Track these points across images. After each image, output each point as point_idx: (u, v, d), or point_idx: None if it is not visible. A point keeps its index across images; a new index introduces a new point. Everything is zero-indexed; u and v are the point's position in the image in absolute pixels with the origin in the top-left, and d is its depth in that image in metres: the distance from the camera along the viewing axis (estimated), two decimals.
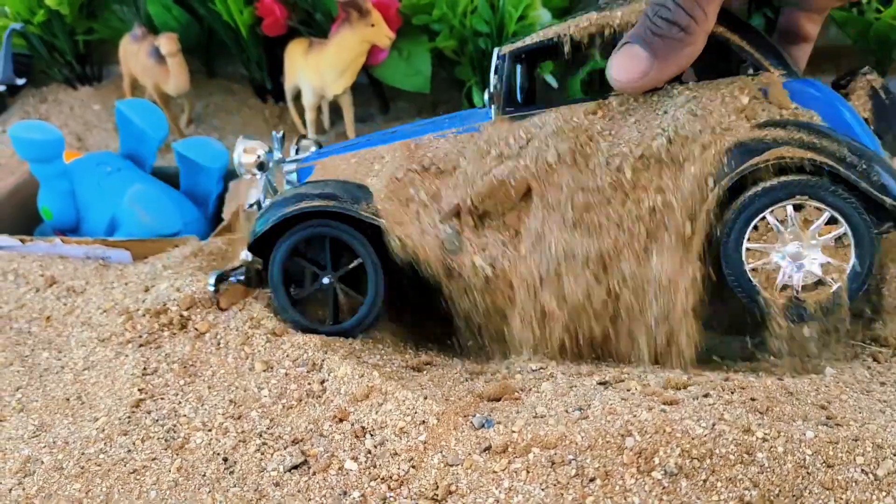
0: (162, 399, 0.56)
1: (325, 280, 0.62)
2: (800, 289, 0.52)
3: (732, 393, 0.47)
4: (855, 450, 0.42)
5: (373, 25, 0.87)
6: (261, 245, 0.63)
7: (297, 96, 0.98)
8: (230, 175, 0.91)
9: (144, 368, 0.60)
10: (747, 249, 0.52)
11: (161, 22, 1.04)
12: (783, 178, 0.50)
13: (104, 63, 1.19)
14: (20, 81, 1.09)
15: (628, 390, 0.49)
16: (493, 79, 0.59)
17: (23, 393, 0.61)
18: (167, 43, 0.95)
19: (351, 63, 0.90)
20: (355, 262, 0.61)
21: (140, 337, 0.63)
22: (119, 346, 0.63)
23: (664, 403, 0.46)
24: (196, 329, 0.63)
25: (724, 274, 0.52)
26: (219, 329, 0.62)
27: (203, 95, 1.11)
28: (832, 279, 0.51)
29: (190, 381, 0.58)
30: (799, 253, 0.51)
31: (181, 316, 0.64)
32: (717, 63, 0.55)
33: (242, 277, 0.65)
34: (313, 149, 0.69)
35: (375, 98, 1.05)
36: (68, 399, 0.59)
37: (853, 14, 0.81)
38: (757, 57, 0.53)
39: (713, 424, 0.43)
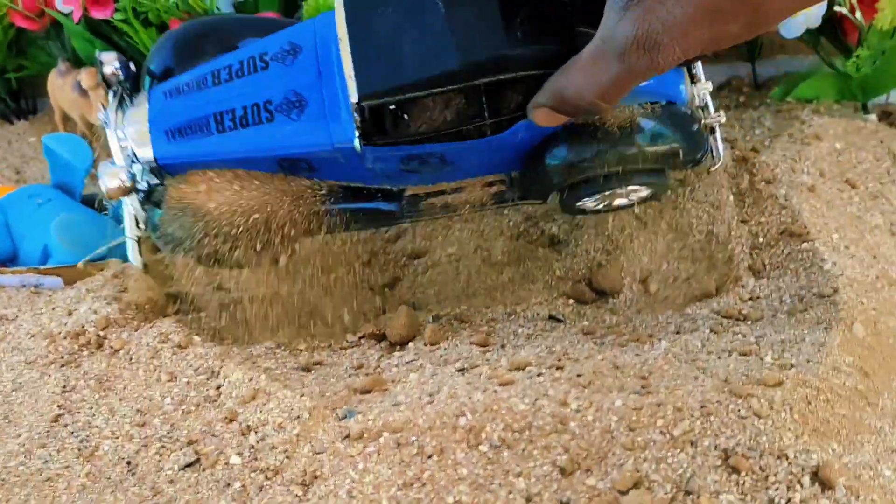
0: (78, 413, 0.63)
1: None
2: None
3: (562, 370, 0.54)
4: (656, 414, 0.49)
5: None
6: None
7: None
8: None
9: (64, 386, 0.66)
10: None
11: (86, 55, 1.09)
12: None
13: (38, 96, 1.25)
14: None
15: (479, 375, 0.56)
16: None
17: None
18: (87, 78, 1.01)
19: None
20: None
21: (62, 358, 0.69)
22: (44, 367, 0.69)
23: (499, 384, 0.52)
24: (111, 347, 0.69)
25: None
26: (131, 345, 0.68)
27: None
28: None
29: (104, 395, 0.64)
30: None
31: (98, 336, 0.70)
32: None
33: None
34: (116, 64, 0.64)
35: None
36: None
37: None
38: None
39: (535, 400, 0.50)
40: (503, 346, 0.63)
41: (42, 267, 0.88)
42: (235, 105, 0.60)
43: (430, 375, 0.58)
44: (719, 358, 0.57)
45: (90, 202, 0.98)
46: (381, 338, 0.69)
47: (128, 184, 0.61)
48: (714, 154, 0.59)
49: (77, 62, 1.10)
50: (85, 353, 0.70)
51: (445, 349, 0.63)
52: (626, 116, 0.55)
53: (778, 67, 1.02)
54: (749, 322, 0.63)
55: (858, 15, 0.83)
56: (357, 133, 0.56)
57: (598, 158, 0.56)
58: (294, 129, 0.59)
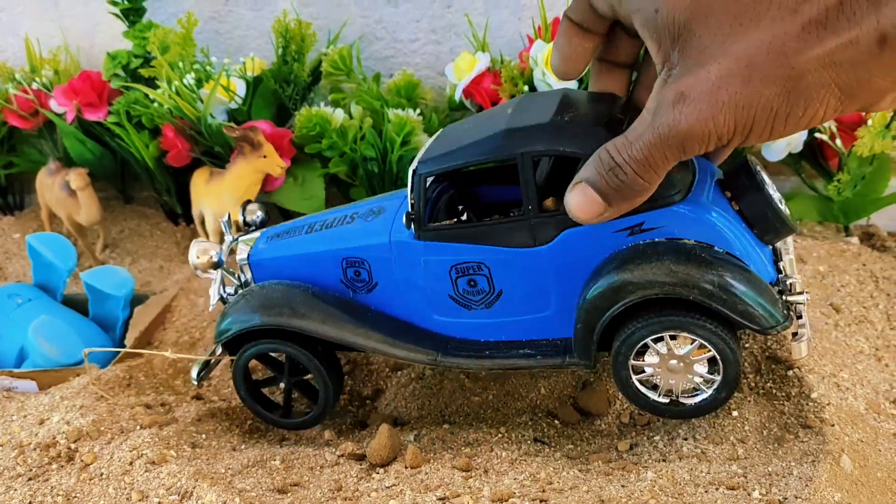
0: None
1: (282, 384, 0.72)
2: (679, 394, 0.60)
3: (547, 503, 0.52)
4: None
5: (265, 157, 0.94)
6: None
7: (202, 220, 1.04)
8: (136, 301, 0.96)
9: (30, 502, 0.63)
10: (633, 366, 0.59)
11: (76, 154, 1.10)
12: (659, 317, 0.57)
13: (25, 192, 1.25)
14: None
15: None
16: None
17: None
18: (76, 178, 1.01)
19: (247, 190, 0.97)
20: (308, 376, 0.71)
21: (30, 471, 0.67)
22: (10, 479, 0.66)
23: None
24: (82, 461, 0.66)
25: (615, 384, 0.61)
26: (103, 461, 0.66)
27: (118, 220, 1.17)
28: (705, 387, 0.59)
29: None
30: (677, 367, 0.59)
31: (69, 448, 0.68)
32: None
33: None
34: (259, 213, 0.77)
35: (281, 217, 1.11)
36: None
37: None
38: None
39: None
40: (486, 472, 0.62)
41: (16, 370, 0.86)
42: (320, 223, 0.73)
43: (417, 491, 0.56)
44: (706, 492, 0.56)
45: (71, 303, 0.98)
46: (360, 457, 0.67)
47: (214, 259, 0.72)
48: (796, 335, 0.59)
49: (67, 162, 1.11)
50: (54, 466, 0.67)
51: (426, 473, 0.61)
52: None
53: None
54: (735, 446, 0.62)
55: (839, 142, 0.85)
56: (411, 218, 0.62)
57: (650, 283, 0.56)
58: (363, 227, 0.68)
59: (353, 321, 0.67)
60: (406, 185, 0.63)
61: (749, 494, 0.54)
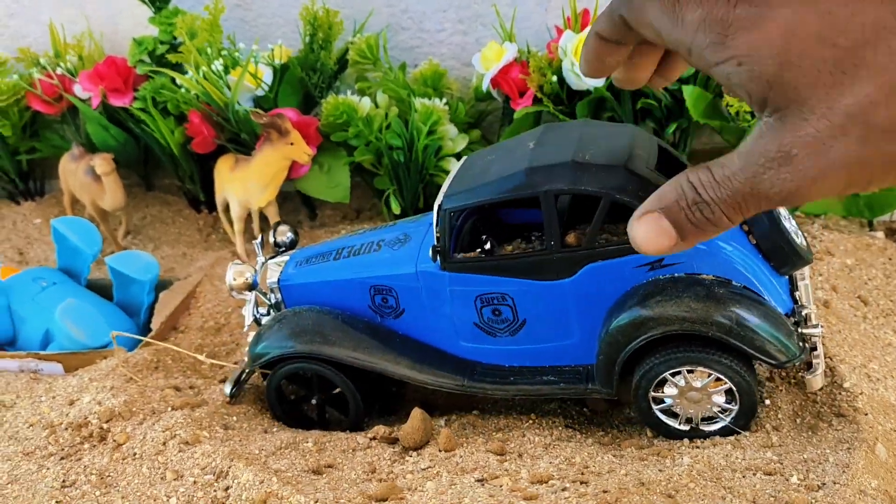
0: None
1: (313, 401, 0.73)
2: (699, 421, 0.62)
3: (587, 485, 0.52)
4: None
5: (292, 144, 0.94)
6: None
7: (226, 208, 1.04)
8: (161, 286, 0.96)
9: (63, 481, 0.63)
10: (653, 398, 0.62)
11: (99, 140, 1.10)
12: (676, 353, 0.59)
13: (46, 178, 1.25)
14: None
15: (500, 486, 0.54)
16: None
17: None
18: (101, 163, 1.01)
19: (273, 178, 0.97)
20: (335, 391, 0.72)
21: (62, 450, 0.67)
22: (42, 458, 0.67)
23: (523, 499, 0.51)
24: (115, 440, 0.67)
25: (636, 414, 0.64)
26: (136, 440, 0.66)
27: (141, 207, 1.17)
28: (723, 416, 0.61)
29: (105, 492, 0.62)
30: (696, 398, 0.61)
31: (101, 428, 0.68)
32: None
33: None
34: (290, 234, 0.80)
35: (303, 206, 1.12)
36: None
37: (728, 123, 0.90)
38: None
39: None
40: (520, 456, 0.62)
41: (43, 353, 0.86)
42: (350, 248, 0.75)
43: (448, 485, 0.56)
44: (744, 477, 0.56)
45: (94, 288, 0.98)
46: (392, 441, 0.67)
47: (249, 281, 0.74)
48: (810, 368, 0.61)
49: (90, 147, 1.11)
50: (86, 446, 0.68)
51: (461, 456, 0.62)
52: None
53: None
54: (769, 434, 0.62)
55: None
56: (437, 251, 0.64)
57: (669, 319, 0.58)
58: (390, 255, 0.69)
59: (381, 347, 0.69)
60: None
61: (787, 480, 0.55)
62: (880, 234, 0.90)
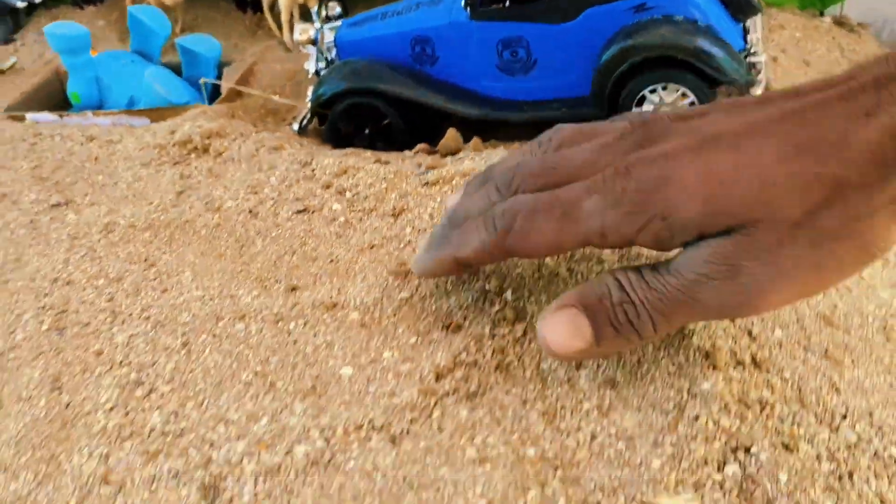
0: (198, 189, 0.79)
1: (366, 132, 0.92)
2: None
3: None
4: None
5: None
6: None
7: (272, 6, 1.20)
8: (223, 65, 1.13)
9: (181, 174, 0.82)
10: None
11: None
12: (653, 73, 0.78)
13: None
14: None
15: None
16: None
17: (90, 198, 0.83)
18: None
19: None
20: (385, 121, 0.90)
21: (173, 160, 0.86)
22: (158, 166, 0.86)
23: None
24: (216, 150, 0.86)
25: None
26: (233, 150, 0.85)
27: (191, 8, 1.33)
28: None
29: (216, 179, 0.81)
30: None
31: (204, 143, 0.87)
32: None
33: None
34: (338, 8, 0.98)
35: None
36: (127, 196, 0.82)
37: None
38: None
39: None
40: None
41: (131, 109, 1.04)
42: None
43: (480, 160, 0.75)
44: None
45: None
46: (432, 152, 0.86)
47: (312, 37, 0.94)
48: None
49: None
50: (193, 156, 0.86)
51: (491, 154, 0.81)
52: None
53: None
54: None
55: None
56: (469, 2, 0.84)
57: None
58: (428, 12, 0.88)
59: (421, 85, 0.88)
60: None
61: None
62: (828, 19, 1.08)
